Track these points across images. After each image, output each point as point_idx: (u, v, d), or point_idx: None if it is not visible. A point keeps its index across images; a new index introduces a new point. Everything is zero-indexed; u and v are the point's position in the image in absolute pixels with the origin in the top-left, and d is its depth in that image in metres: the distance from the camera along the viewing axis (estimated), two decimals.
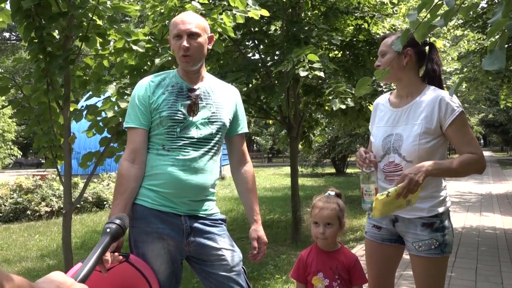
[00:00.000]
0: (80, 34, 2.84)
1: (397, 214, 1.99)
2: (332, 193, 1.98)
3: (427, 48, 2.06)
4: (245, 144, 2.06)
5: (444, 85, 2.12)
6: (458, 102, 1.92)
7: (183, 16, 1.84)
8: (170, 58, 2.88)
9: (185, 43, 1.77)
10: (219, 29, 2.85)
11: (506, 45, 1.40)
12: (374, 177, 1.93)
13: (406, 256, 2.18)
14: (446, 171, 1.86)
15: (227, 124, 1.93)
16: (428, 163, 1.81)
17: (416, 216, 1.93)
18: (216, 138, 1.88)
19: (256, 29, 5.26)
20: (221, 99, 1.93)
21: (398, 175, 1.91)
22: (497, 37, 1.16)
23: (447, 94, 1.92)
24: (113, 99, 2.89)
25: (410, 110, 1.98)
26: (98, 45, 3.00)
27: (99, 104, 2.99)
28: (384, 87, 4.95)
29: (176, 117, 1.79)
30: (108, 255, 1.61)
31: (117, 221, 1.53)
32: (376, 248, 2.09)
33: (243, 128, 2.03)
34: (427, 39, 2.07)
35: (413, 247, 1.95)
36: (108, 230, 1.49)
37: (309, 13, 5.59)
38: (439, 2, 1.26)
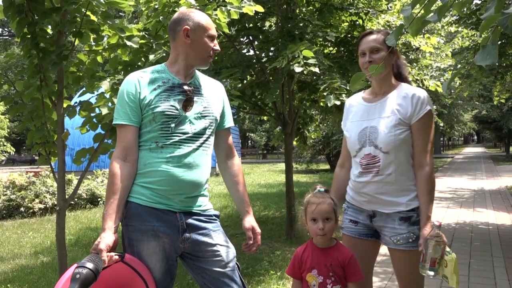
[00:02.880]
0: (74, 29, 2.82)
1: (375, 209, 2.03)
2: (322, 189, 1.98)
3: None
4: (231, 138, 2.09)
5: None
6: (430, 101, 1.98)
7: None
8: (164, 54, 2.87)
9: (218, 47, 1.94)
10: None
11: (498, 41, 1.40)
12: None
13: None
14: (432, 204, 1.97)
15: (218, 118, 1.95)
16: (426, 214, 1.91)
17: (395, 210, 1.98)
18: (209, 133, 1.89)
19: (251, 25, 5.24)
20: (210, 93, 1.95)
21: (375, 167, 1.97)
22: (489, 32, 1.16)
23: (422, 92, 1.99)
24: (107, 95, 2.87)
25: (385, 103, 2.03)
26: (91, 40, 2.98)
27: (93, 100, 2.97)
28: None
29: (170, 113, 1.78)
30: (104, 256, 1.60)
31: (89, 265, 1.38)
32: (355, 243, 2.11)
33: (230, 122, 2.06)
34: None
35: (391, 241, 2.00)
36: (77, 276, 1.33)
37: (303, 9, 5.58)
38: None
